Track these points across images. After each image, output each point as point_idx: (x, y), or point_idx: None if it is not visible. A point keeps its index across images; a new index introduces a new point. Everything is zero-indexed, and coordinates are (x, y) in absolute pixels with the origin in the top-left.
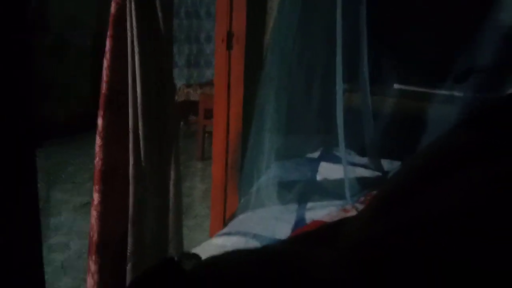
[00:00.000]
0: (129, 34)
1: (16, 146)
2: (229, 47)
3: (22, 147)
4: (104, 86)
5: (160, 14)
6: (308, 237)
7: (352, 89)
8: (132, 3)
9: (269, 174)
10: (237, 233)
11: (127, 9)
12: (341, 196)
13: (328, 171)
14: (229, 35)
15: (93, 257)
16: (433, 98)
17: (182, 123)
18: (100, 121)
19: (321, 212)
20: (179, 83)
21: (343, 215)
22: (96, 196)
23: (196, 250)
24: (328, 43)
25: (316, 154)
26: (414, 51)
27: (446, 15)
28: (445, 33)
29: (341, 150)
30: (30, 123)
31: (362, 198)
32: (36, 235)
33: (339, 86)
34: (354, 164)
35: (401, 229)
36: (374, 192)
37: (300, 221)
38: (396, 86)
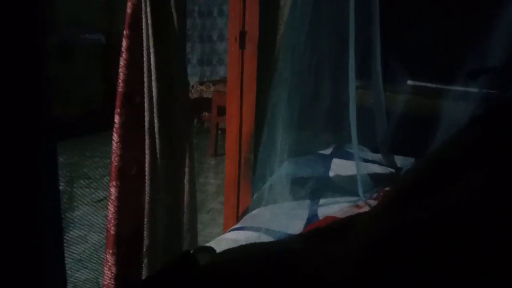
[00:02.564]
0: (144, 33)
1: (38, 142)
2: (242, 46)
3: (43, 143)
4: (120, 85)
5: (174, 14)
6: (320, 233)
7: (365, 86)
8: (148, 3)
9: (281, 170)
10: (250, 228)
11: (143, 9)
12: (354, 193)
13: (340, 167)
14: (242, 34)
15: (111, 250)
16: (447, 94)
17: (195, 120)
18: (117, 119)
19: (334, 208)
20: (192, 80)
21: (355, 211)
22: (113, 191)
23: (210, 245)
24: (340, 40)
25: (328, 151)
26: (427, 47)
27: (460, 11)
28: (459, 29)
29: (354, 147)
30: (49, 119)
31: (375, 195)
32: (58, 229)
33: (352, 82)
34: (366, 161)
35: (410, 229)
36: (387, 188)
37: (312, 217)
38: (409, 82)
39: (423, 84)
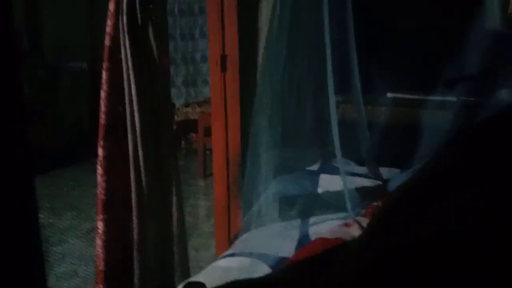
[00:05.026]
0: (124, 64)
1: (13, 174)
2: (223, 69)
3: (19, 175)
4: (102, 117)
5: (153, 42)
6: (309, 263)
7: (346, 100)
8: (126, 34)
9: (269, 190)
10: (241, 254)
11: (121, 41)
12: (343, 208)
13: (328, 183)
14: (223, 58)
15: (100, 285)
16: (427, 104)
17: (182, 142)
18: (100, 151)
19: (324, 227)
20: (177, 102)
21: (345, 230)
22: (100, 225)
23: (202, 274)
24: (319, 56)
25: (315, 167)
26: (404, 58)
27: (435, 21)
28: (434, 39)
29: (339, 162)
30: (25, 150)
31: (363, 211)
32: (40, 265)
33: (332, 98)
34: (353, 174)
35: (395, 258)
36: (375, 203)
37: (303, 238)
38: (389, 95)
39: (403, 95)
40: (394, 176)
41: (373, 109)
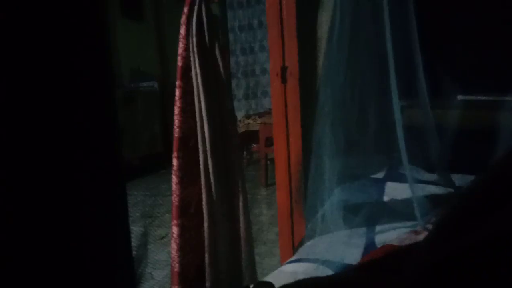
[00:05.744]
0: (194, 82)
1: (111, 182)
2: (283, 80)
3: (116, 184)
4: (176, 130)
5: (220, 62)
6: (376, 264)
7: (412, 105)
8: (195, 55)
9: (333, 198)
10: (307, 260)
11: (191, 61)
12: (411, 217)
13: (395, 191)
14: (283, 69)
15: (176, 287)
16: (501, 106)
17: (244, 152)
18: (175, 162)
19: (391, 235)
20: (239, 114)
21: (413, 237)
22: (175, 230)
23: (269, 278)
24: (381, 61)
25: (381, 174)
26: (476, 58)
27: (508, 16)
28: (508, 35)
29: (406, 168)
30: (119, 162)
31: (434, 218)
32: (129, 266)
33: (396, 103)
34: (422, 182)
35: (462, 254)
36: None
37: (370, 245)
38: (460, 97)
39: (475, 97)
40: (467, 184)
41: (443, 113)
